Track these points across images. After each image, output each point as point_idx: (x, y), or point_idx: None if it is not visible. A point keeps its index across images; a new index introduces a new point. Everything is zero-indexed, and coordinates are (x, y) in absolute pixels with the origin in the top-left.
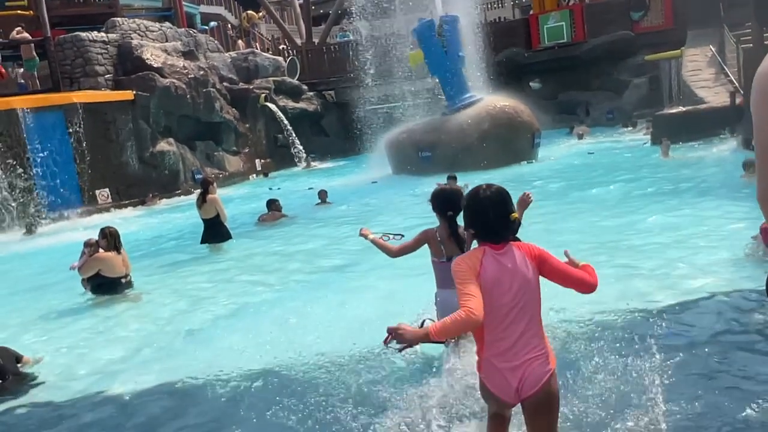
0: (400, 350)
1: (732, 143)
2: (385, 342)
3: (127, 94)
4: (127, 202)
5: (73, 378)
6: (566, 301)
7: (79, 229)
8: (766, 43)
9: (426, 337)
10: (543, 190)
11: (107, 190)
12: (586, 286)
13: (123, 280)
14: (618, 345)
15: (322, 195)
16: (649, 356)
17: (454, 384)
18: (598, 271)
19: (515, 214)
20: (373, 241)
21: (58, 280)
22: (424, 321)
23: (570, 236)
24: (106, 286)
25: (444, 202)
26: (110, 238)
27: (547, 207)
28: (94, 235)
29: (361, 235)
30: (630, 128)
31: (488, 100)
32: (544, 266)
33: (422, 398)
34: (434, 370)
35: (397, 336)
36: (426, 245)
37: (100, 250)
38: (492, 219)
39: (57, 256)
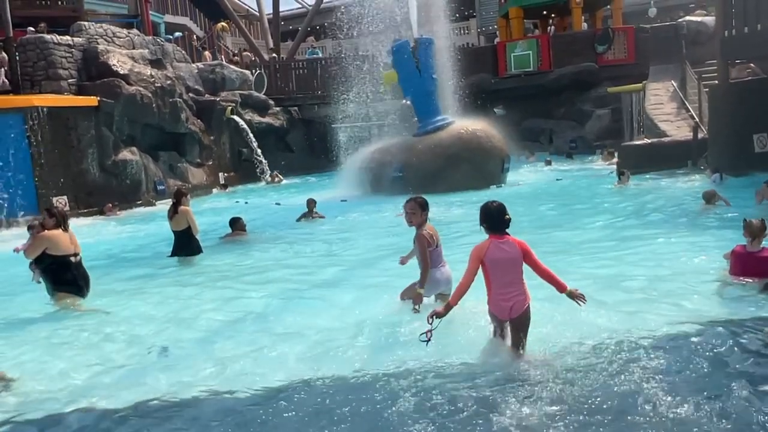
0: (427, 341)
1: (693, 176)
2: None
3: (91, 100)
4: (85, 210)
5: (35, 397)
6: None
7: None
8: (731, 81)
9: (449, 307)
10: (514, 217)
11: (65, 197)
12: (547, 280)
13: (73, 259)
14: (600, 376)
15: (310, 204)
16: (635, 387)
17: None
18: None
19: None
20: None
21: (9, 290)
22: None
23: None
24: (56, 266)
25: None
26: (58, 217)
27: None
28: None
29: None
30: (571, 159)
31: (460, 123)
32: (527, 257)
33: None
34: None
35: (436, 315)
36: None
37: (45, 232)
38: (496, 218)
39: (7, 264)
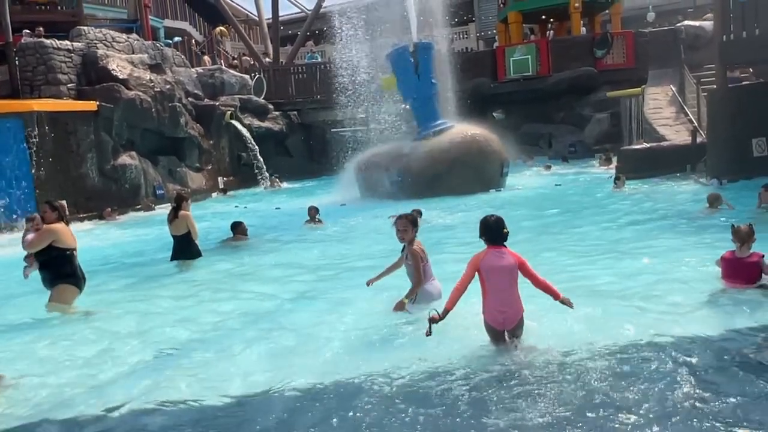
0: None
1: (692, 180)
2: (427, 333)
3: (91, 105)
4: (84, 215)
5: (34, 402)
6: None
7: None
8: (729, 86)
9: (446, 312)
10: (513, 221)
11: (64, 202)
12: (542, 289)
13: (75, 253)
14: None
15: (312, 212)
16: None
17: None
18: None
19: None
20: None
21: (11, 292)
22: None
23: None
24: (60, 258)
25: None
26: (61, 210)
27: (516, 239)
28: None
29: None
30: (567, 162)
31: (459, 127)
32: (522, 269)
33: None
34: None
35: (432, 321)
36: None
37: (43, 226)
38: (494, 231)
39: (5, 269)
